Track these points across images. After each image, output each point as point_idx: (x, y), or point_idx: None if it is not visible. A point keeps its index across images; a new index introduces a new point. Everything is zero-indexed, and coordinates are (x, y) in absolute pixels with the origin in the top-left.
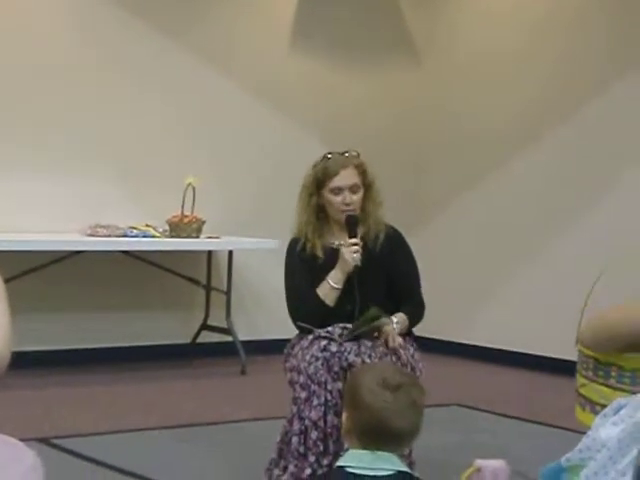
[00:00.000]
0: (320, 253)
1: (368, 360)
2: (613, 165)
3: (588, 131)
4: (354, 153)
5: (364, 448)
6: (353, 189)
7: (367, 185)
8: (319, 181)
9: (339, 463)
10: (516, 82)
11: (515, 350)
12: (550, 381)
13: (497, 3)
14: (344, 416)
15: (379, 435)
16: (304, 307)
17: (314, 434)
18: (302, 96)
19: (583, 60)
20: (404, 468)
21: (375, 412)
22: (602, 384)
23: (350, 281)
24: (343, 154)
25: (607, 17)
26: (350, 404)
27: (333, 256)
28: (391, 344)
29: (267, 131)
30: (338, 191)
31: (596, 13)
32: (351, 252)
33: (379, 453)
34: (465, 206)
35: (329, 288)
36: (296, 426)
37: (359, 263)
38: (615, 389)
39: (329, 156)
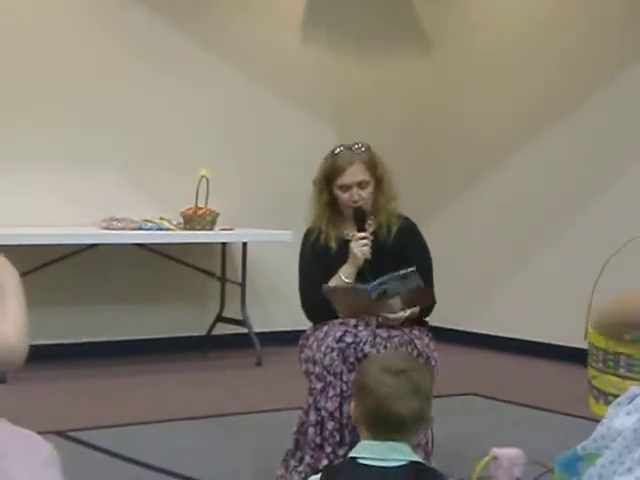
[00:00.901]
0: (333, 244)
1: (383, 351)
2: (617, 159)
3: (596, 124)
4: (363, 148)
5: (373, 437)
6: (361, 185)
7: (378, 179)
8: (328, 177)
9: (351, 454)
10: (526, 72)
11: (530, 339)
12: (566, 369)
13: None
14: (352, 405)
15: (383, 421)
16: (315, 301)
17: (330, 425)
18: (315, 87)
19: (590, 54)
20: (416, 458)
21: (378, 397)
22: (613, 374)
23: (362, 275)
24: (352, 148)
25: (616, 12)
26: (357, 391)
27: (346, 247)
28: (391, 315)
29: (280, 122)
30: (346, 188)
31: (605, 8)
32: (360, 246)
33: (390, 443)
34: (476, 196)
35: (341, 282)
36: (312, 417)
37: (369, 256)
38: (625, 378)
39: (337, 151)
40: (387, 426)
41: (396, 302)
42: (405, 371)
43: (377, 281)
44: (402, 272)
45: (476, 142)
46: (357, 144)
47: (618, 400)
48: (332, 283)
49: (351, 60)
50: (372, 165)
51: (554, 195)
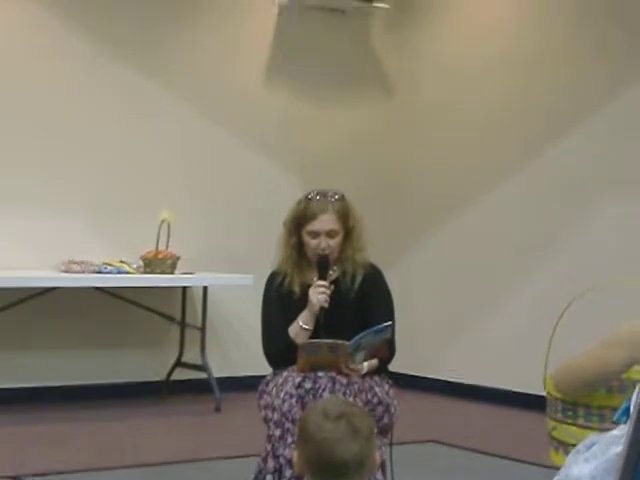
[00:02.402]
0: (297, 289)
1: (343, 397)
2: (580, 204)
3: (559, 171)
4: (336, 196)
5: None
6: (330, 234)
7: (348, 229)
8: (299, 220)
9: None
10: (487, 118)
11: (491, 386)
12: (527, 416)
13: (467, 38)
14: (295, 454)
15: (325, 467)
16: (275, 346)
17: (288, 472)
18: (278, 131)
19: (544, 94)
20: None
21: (317, 443)
22: (571, 424)
23: (317, 323)
24: (326, 196)
25: (583, 58)
26: (298, 439)
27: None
28: (344, 370)
29: (242, 166)
30: (314, 235)
31: (574, 53)
32: (317, 293)
33: None
34: (438, 242)
35: (299, 328)
36: (270, 464)
37: (325, 305)
38: (585, 428)
39: (310, 196)
40: (329, 472)
41: (360, 355)
42: (343, 415)
43: (359, 336)
44: (379, 327)
45: (439, 186)
46: (332, 192)
47: (577, 448)
48: (291, 329)
49: (314, 105)
50: (344, 215)
51: (518, 241)
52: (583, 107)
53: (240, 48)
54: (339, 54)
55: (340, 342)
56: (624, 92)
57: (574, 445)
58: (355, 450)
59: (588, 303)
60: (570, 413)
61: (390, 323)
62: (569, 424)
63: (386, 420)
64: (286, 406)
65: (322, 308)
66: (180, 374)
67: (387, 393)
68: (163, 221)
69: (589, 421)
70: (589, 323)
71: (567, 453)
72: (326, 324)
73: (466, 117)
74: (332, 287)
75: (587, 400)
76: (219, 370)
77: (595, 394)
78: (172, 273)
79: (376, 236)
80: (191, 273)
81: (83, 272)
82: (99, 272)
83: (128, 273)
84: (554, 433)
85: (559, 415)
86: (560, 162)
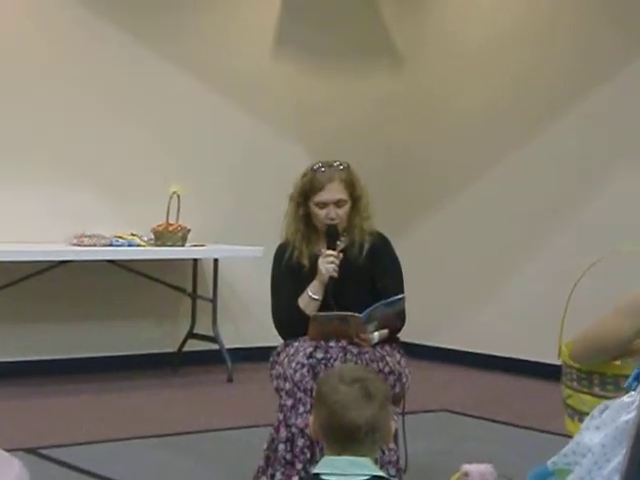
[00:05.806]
0: (306, 261)
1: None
2: (586, 180)
3: (565, 142)
4: (342, 166)
5: (331, 449)
6: (338, 203)
7: (355, 198)
8: (306, 193)
9: (314, 470)
10: (497, 89)
11: (502, 355)
12: (537, 385)
13: (477, 10)
14: (311, 418)
15: (336, 430)
16: (285, 317)
17: (300, 441)
18: (286, 105)
19: (554, 68)
20: (379, 472)
21: (330, 405)
22: (587, 393)
23: (325, 292)
24: (331, 166)
25: (579, 36)
26: (314, 402)
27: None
28: (364, 342)
29: (251, 138)
30: (323, 205)
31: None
32: (326, 263)
33: (352, 458)
34: (450, 210)
35: (308, 299)
36: (283, 434)
37: (334, 274)
38: (600, 397)
39: (316, 167)
40: (341, 435)
41: (371, 326)
42: (359, 380)
43: (370, 308)
44: (391, 299)
45: (448, 156)
46: (337, 162)
47: (592, 413)
48: (301, 300)
49: (322, 77)
50: (350, 184)
51: (529, 210)
52: (593, 80)
53: (247, 20)
54: (348, 25)
55: (351, 314)
56: (636, 64)
57: (588, 413)
58: (367, 414)
59: (604, 271)
60: (585, 382)
61: (402, 296)
62: (584, 393)
63: (398, 389)
64: (298, 376)
65: (331, 278)
66: (192, 345)
67: (398, 362)
68: (173, 193)
69: (604, 390)
70: (606, 291)
71: (582, 421)
72: (335, 293)
73: (475, 90)
74: (341, 256)
75: (602, 369)
76: (230, 341)
77: (610, 364)
78: (183, 245)
79: (385, 207)
80: (202, 245)
81: (94, 245)
82: (110, 245)
83: (139, 246)
84: (569, 401)
85: (574, 384)
86: (570, 134)
